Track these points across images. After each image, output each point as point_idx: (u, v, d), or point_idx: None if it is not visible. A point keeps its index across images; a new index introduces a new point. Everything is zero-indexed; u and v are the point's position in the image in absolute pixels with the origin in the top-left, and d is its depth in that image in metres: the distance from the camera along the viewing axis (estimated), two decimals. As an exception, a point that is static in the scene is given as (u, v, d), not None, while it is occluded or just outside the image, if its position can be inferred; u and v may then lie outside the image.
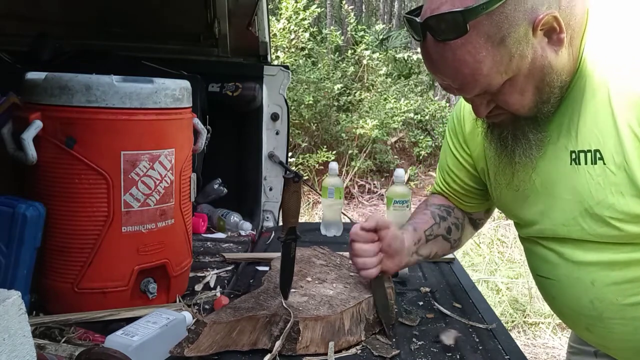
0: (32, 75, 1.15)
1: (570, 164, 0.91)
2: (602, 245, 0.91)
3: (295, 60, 7.06)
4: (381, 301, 1.15)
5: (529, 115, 0.92)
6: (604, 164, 0.86)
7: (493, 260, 4.50)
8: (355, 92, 7.37)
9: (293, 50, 7.11)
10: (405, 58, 9.10)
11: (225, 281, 1.44)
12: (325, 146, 6.79)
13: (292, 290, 1.15)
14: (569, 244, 0.96)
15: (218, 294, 1.32)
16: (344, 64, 7.58)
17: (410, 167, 7.32)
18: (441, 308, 1.27)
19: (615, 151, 0.85)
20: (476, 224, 1.31)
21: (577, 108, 0.90)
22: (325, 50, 7.58)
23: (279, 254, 1.22)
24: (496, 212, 5.92)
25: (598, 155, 0.87)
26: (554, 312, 1.10)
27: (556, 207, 0.95)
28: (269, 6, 3.43)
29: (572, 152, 0.91)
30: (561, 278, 0.99)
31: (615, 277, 0.91)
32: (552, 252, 1.00)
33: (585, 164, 0.89)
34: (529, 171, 0.98)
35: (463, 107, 1.16)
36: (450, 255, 1.67)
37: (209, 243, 1.76)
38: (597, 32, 0.90)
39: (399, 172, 1.75)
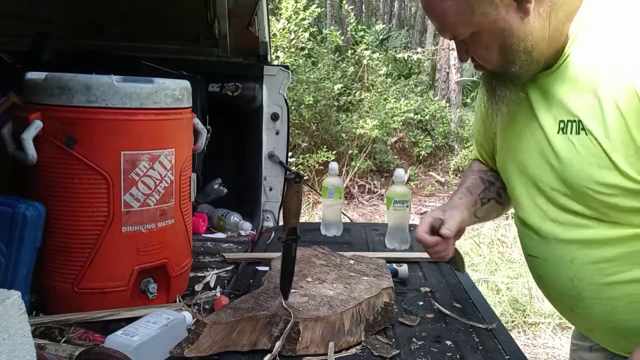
0: (32, 75, 1.15)
1: (558, 132, 0.96)
2: (584, 221, 0.95)
3: (295, 60, 7.05)
4: (457, 258, 1.29)
5: (498, 71, 1.00)
6: (586, 134, 0.91)
7: (493, 260, 4.50)
8: (355, 92, 7.37)
9: (293, 50, 7.11)
10: (405, 58, 9.11)
11: (225, 281, 1.44)
12: (325, 146, 6.79)
13: (292, 290, 1.15)
14: (553, 221, 1.00)
15: (218, 294, 1.32)
16: (344, 64, 7.58)
17: (410, 167, 7.33)
18: (441, 308, 1.27)
19: (597, 124, 0.89)
20: None
21: (567, 82, 0.95)
22: (325, 50, 7.59)
23: (279, 254, 1.22)
24: (496, 212, 5.83)
25: (581, 125, 0.92)
26: (542, 293, 1.14)
27: (546, 173, 1.00)
28: (269, 6, 3.43)
29: (560, 121, 0.96)
30: (546, 256, 1.03)
31: (593, 256, 0.95)
32: (537, 230, 1.03)
33: (570, 133, 0.94)
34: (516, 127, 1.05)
35: None
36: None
37: (209, 243, 1.76)
38: (596, 21, 0.94)
39: (399, 172, 1.76)
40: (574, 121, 0.93)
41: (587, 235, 0.95)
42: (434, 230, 1.14)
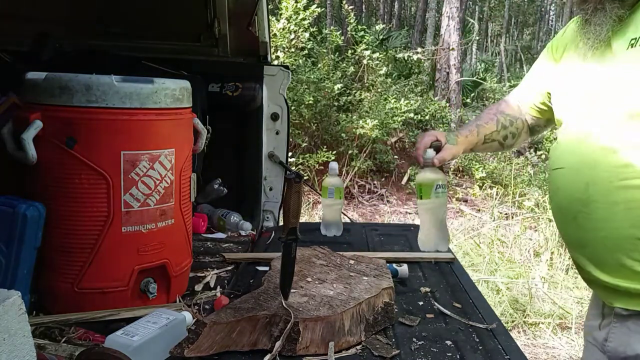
0: (32, 75, 1.15)
1: (627, 48, 1.11)
2: (623, 123, 1.08)
3: (295, 60, 7.05)
4: None
5: None
6: None
7: (493, 260, 4.50)
8: (355, 92, 7.36)
9: (293, 50, 7.10)
10: (405, 58, 9.10)
11: (225, 281, 1.44)
12: (325, 146, 6.78)
13: (292, 290, 1.15)
14: (597, 125, 1.13)
15: (218, 294, 1.32)
16: (344, 64, 7.56)
17: (410, 167, 7.32)
18: (441, 308, 1.27)
19: None
20: (534, 131, 1.52)
21: None
22: (325, 50, 7.57)
23: (279, 254, 1.22)
24: (496, 213, 5.87)
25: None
26: (552, 211, 1.28)
27: (606, 86, 1.14)
28: (269, 6, 3.43)
29: (632, 39, 1.10)
30: (569, 165, 1.18)
31: (615, 160, 1.08)
32: (578, 135, 1.17)
33: (633, 47, 1.09)
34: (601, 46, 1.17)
35: (567, 28, 1.36)
36: (450, 255, 1.67)
37: (209, 243, 1.76)
38: None
39: (430, 153, 1.44)
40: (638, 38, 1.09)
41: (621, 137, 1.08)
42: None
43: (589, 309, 1.32)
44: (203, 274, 1.46)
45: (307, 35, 7.14)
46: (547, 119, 1.46)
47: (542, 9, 25.70)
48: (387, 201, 6.71)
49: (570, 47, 1.28)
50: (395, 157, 7.37)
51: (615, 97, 1.11)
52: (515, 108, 1.50)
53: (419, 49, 9.27)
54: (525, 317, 3.56)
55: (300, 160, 6.46)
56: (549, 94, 1.37)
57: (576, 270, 1.35)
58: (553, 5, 25.73)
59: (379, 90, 7.59)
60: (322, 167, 6.35)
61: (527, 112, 1.48)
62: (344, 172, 6.58)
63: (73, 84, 1.09)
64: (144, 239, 1.18)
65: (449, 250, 1.76)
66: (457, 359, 1.04)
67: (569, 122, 1.24)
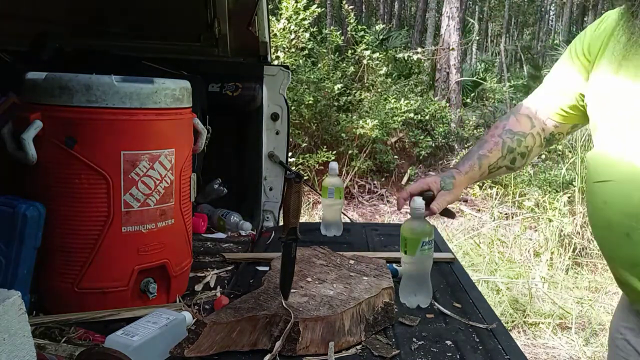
0: (32, 75, 1.15)
1: None
2: None
3: (295, 60, 7.05)
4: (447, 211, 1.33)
5: None
6: None
7: (493, 260, 4.50)
8: (355, 92, 7.37)
9: (293, 50, 7.10)
10: (405, 58, 9.10)
11: (225, 281, 1.44)
12: (325, 146, 6.78)
13: (292, 290, 1.15)
14: None
15: (218, 294, 1.32)
16: (344, 64, 7.57)
17: (410, 167, 7.32)
18: (441, 308, 1.27)
19: None
20: (552, 141, 1.39)
21: None
22: (325, 50, 7.58)
23: (279, 254, 1.22)
24: (496, 213, 5.87)
25: None
26: (594, 226, 1.18)
27: None
28: (269, 6, 3.43)
29: None
30: (620, 177, 1.07)
31: None
32: (627, 145, 1.07)
33: None
34: None
35: (603, 20, 1.23)
36: (450, 255, 1.67)
37: (209, 243, 1.76)
38: None
39: (419, 203, 1.26)
40: None
41: None
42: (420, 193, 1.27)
43: (617, 320, 1.24)
44: (203, 274, 1.46)
45: (307, 35, 7.14)
46: (573, 124, 1.33)
47: (542, 9, 25.71)
48: (387, 201, 6.71)
49: (609, 44, 1.15)
50: (395, 157, 7.37)
51: None
52: (526, 121, 1.35)
53: (419, 49, 9.27)
54: (525, 317, 3.56)
55: (300, 160, 6.46)
56: (582, 95, 1.23)
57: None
58: (553, 5, 25.74)
59: (379, 90, 7.59)
60: (322, 167, 6.36)
61: (549, 117, 1.33)
62: (344, 172, 6.58)
63: (73, 84, 1.10)
64: (144, 239, 1.18)
65: (449, 250, 1.76)
66: (457, 359, 1.04)
67: (610, 129, 1.13)
